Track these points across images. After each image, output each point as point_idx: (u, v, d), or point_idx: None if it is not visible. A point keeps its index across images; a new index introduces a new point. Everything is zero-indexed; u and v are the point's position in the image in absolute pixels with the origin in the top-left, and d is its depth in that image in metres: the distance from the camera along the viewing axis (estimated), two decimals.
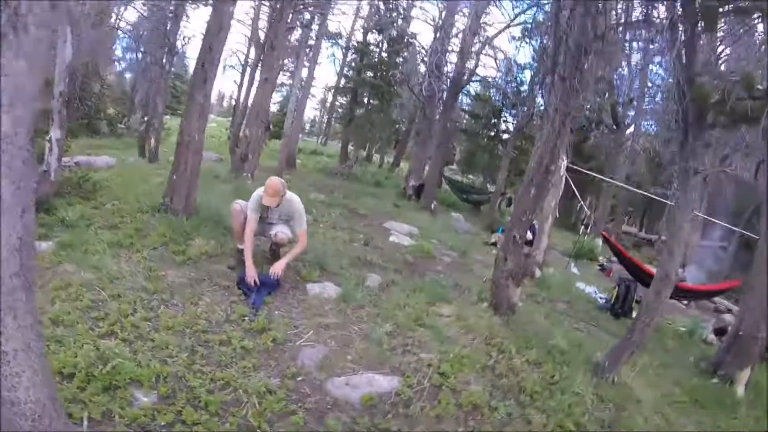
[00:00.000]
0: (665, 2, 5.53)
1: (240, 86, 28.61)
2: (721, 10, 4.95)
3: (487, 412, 3.49)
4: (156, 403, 2.85)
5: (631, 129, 21.07)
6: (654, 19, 5.97)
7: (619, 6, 6.22)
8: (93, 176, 7.36)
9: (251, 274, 4.58)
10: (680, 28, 4.83)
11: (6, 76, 1.53)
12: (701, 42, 5.64)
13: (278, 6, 11.67)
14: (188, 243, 5.33)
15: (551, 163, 5.77)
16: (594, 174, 14.26)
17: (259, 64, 16.80)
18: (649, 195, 14.43)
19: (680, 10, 4.91)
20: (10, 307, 1.78)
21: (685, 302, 11.39)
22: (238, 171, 10.84)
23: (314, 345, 3.86)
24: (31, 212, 1.74)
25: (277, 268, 4.69)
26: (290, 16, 11.93)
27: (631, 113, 20.57)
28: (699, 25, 4.92)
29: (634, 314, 6.95)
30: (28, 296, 1.85)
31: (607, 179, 16.14)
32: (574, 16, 5.56)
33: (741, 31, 6.31)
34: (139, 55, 22.26)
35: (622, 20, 6.17)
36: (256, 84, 17.63)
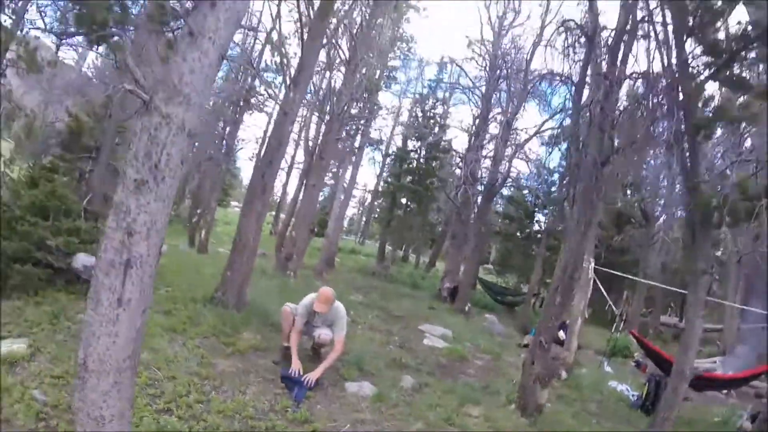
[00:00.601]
0: (667, 122, 6.10)
1: (285, 185, 30.16)
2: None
3: None
4: None
5: (662, 220, 21.08)
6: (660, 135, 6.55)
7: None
8: None
9: (296, 367, 4.95)
10: (682, 144, 5.39)
11: (145, 213, 2.10)
12: (702, 152, 6.17)
13: (328, 119, 12.87)
14: (237, 336, 5.74)
15: (575, 271, 6.15)
16: (620, 273, 14.28)
17: (301, 166, 18.04)
18: (669, 287, 14.20)
19: (683, 127, 5.49)
20: (118, 382, 2.25)
21: (725, 391, 10.98)
22: (283, 269, 11.49)
23: None
24: (148, 311, 2.25)
25: (312, 377, 4.92)
26: (338, 128, 13.10)
27: (661, 202, 20.69)
28: (699, 138, 5.48)
29: None
30: (132, 375, 2.32)
31: (631, 276, 15.96)
32: (588, 137, 6.19)
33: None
34: (194, 150, 24.10)
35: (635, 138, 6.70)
36: (301, 185, 18.82)
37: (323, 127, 15.03)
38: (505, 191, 22.17)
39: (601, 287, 11.50)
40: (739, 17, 6.35)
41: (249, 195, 7.43)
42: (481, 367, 7.81)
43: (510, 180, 19.08)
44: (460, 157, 21.64)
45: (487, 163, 17.73)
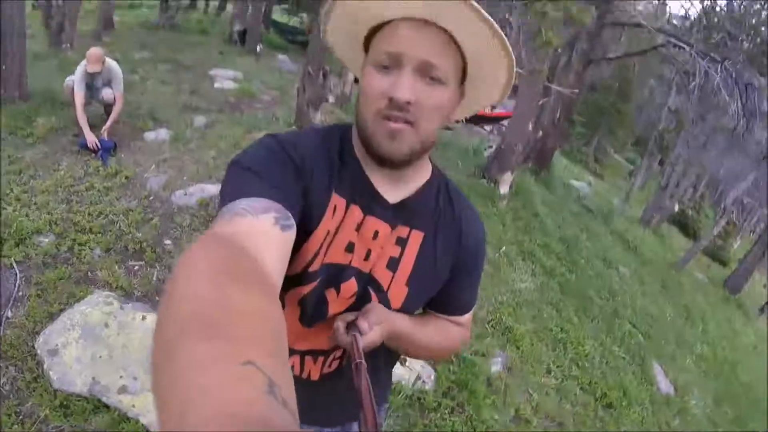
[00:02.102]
0: None
1: None
2: None
3: None
4: (55, 240, 3.84)
5: None
6: None
7: None
8: None
9: (90, 140, 5.13)
10: None
11: None
12: None
13: None
14: (33, 125, 5.63)
15: None
16: None
17: None
18: None
19: None
20: None
21: (488, 128, 13.59)
22: (57, 44, 10.30)
23: (157, 175, 4.98)
24: None
25: (105, 131, 5.27)
26: None
27: None
28: None
29: None
30: None
31: None
32: None
33: None
34: None
35: None
36: None
37: None
38: None
39: None
40: None
41: None
42: (268, 101, 8.45)
43: None
44: None
45: None
